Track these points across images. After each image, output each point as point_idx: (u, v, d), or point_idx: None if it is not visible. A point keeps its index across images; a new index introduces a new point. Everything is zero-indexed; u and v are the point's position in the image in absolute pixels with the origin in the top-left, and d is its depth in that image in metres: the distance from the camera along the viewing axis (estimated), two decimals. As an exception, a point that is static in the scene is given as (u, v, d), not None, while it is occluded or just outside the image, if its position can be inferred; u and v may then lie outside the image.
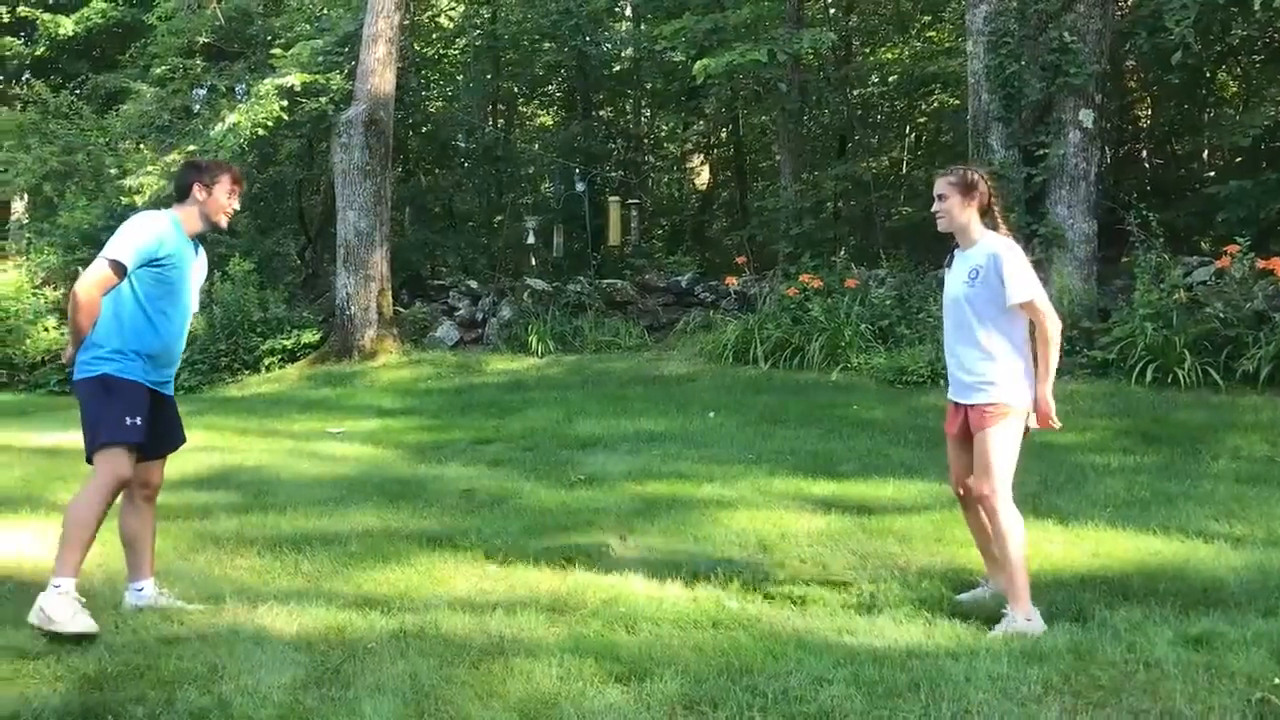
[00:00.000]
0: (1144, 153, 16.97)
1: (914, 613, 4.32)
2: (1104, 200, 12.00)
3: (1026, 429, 4.31)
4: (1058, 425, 4.31)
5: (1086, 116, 11.30)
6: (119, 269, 4.21)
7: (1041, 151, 11.34)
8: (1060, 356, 4.32)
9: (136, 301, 4.28)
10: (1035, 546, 5.17)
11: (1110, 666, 3.68)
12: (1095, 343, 10.28)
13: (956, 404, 4.42)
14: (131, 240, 4.23)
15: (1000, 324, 4.23)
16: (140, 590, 4.47)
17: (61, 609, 3.98)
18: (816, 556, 5.12)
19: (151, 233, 4.27)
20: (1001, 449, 4.20)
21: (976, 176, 4.38)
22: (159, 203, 14.43)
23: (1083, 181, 11.31)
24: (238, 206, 4.51)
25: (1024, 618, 4.10)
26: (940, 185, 4.35)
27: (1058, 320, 4.24)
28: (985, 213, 4.36)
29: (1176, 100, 15.81)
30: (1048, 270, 11.11)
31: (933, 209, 4.41)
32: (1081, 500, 6.13)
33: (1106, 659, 3.74)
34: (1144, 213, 10.64)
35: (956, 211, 4.32)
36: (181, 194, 4.43)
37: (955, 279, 4.38)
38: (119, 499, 4.33)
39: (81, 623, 4.00)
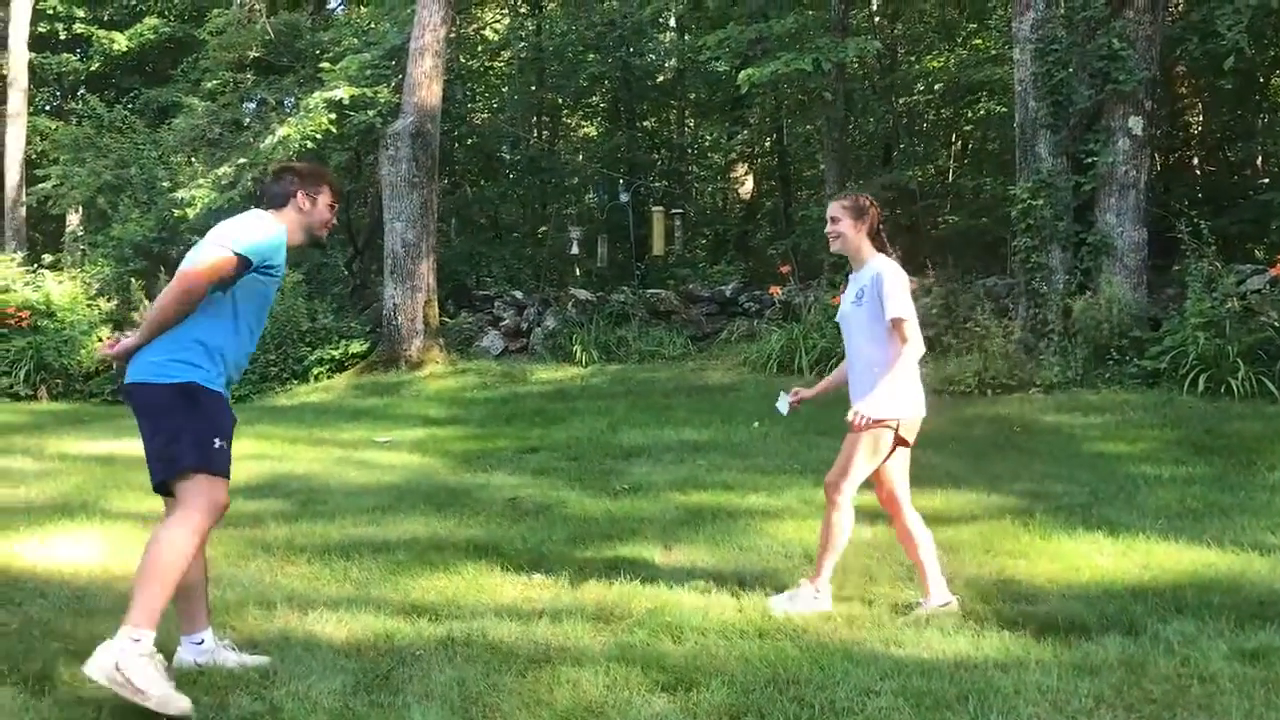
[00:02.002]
0: (1195, 160, 16.73)
1: (961, 624, 4.28)
2: (1154, 208, 11.85)
3: (904, 440, 4.54)
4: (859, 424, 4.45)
5: (1136, 123, 11.17)
6: (243, 263, 3.73)
7: (1090, 159, 11.22)
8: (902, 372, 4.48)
9: (233, 306, 3.79)
10: (1085, 558, 5.13)
11: (1163, 680, 3.63)
12: (1146, 352, 10.15)
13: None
14: (256, 236, 3.78)
15: (883, 340, 4.47)
16: (200, 644, 3.88)
17: (149, 677, 3.35)
18: (863, 567, 5.09)
19: (275, 236, 3.85)
20: (861, 453, 4.48)
21: (866, 201, 4.64)
22: (210, 213, 14.66)
23: (1132, 189, 11.17)
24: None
25: (812, 595, 4.51)
26: (834, 209, 4.63)
27: (920, 346, 4.47)
28: (874, 236, 4.61)
29: (1229, 106, 15.60)
30: (1096, 279, 11.00)
31: (826, 230, 4.67)
32: (1133, 511, 6.05)
33: (1159, 673, 3.69)
34: (1195, 220, 10.50)
35: (850, 234, 4.58)
36: (277, 201, 3.97)
37: (846, 300, 4.67)
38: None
39: (178, 704, 3.36)
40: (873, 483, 4.64)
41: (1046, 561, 5.10)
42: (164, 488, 3.72)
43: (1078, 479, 6.99)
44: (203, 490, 3.64)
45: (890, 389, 4.41)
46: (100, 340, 14.59)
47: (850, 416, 4.48)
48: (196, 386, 3.68)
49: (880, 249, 4.61)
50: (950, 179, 19.52)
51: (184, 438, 3.63)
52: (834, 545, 4.55)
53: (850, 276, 4.71)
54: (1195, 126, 16.79)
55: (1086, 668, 3.76)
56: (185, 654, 3.87)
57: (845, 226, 4.57)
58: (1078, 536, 5.52)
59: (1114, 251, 11.06)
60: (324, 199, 4.01)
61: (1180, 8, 13.91)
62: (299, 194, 3.96)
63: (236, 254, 3.70)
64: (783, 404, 4.90)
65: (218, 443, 3.68)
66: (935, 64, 19.25)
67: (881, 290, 4.41)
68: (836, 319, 4.78)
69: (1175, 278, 11.29)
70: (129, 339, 3.76)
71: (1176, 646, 3.92)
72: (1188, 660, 3.78)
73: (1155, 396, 9.57)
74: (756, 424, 9.49)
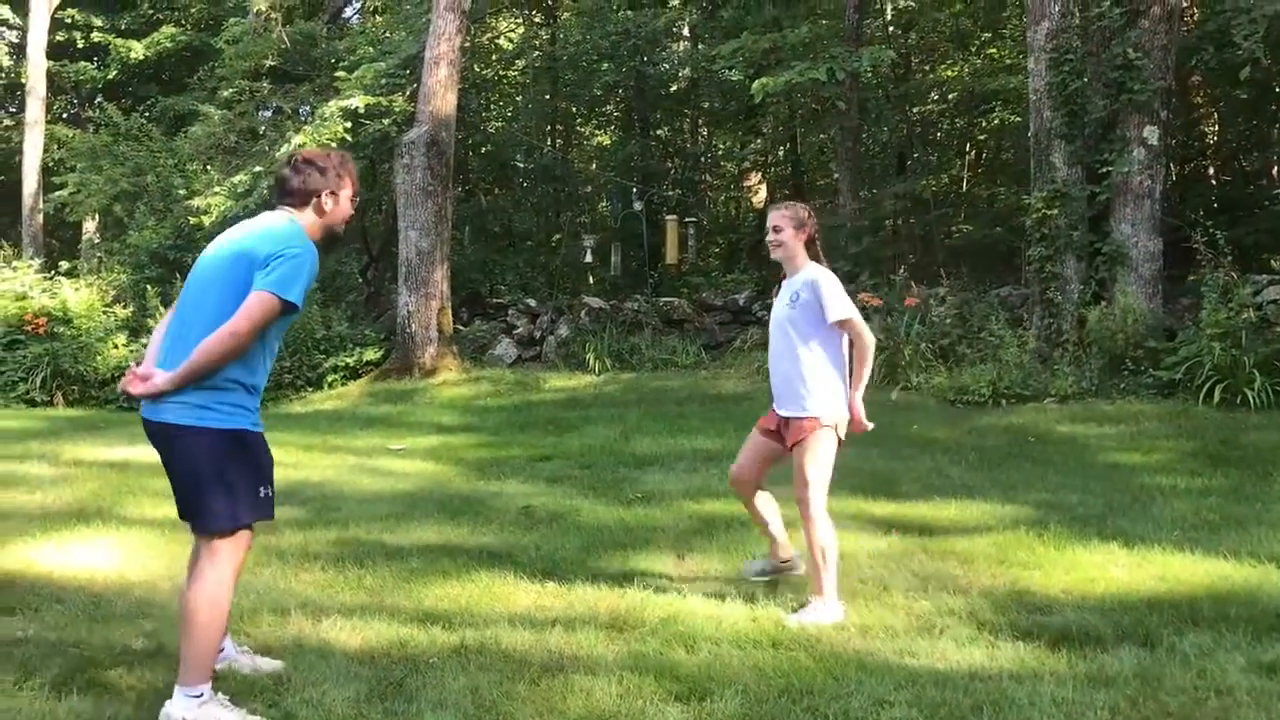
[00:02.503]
0: (1211, 169, 16.69)
1: (976, 635, 4.27)
2: (1169, 218, 11.81)
3: (840, 439, 4.70)
4: (869, 427, 4.76)
5: (1151, 133, 11.14)
6: (291, 311, 3.50)
7: (1105, 169, 11.20)
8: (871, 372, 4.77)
9: (263, 340, 3.54)
10: (1100, 569, 5.11)
11: (1180, 693, 3.62)
12: (1161, 362, 10.11)
13: (776, 414, 4.80)
14: (305, 277, 3.50)
15: (819, 343, 4.65)
16: (220, 650, 3.76)
17: (222, 717, 3.43)
18: (877, 577, 5.08)
19: (314, 264, 3.57)
20: (817, 461, 4.61)
21: (805, 213, 4.84)
22: (226, 212, 14.72)
23: (1147, 199, 11.14)
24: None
25: (825, 607, 4.53)
26: (776, 219, 4.79)
27: (872, 337, 4.70)
28: (810, 244, 4.81)
29: (1245, 116, 15.56)
30: (1111, 289, 10.97)
31: (767, 239, 4.83)
32: (1148, 523, 6.02)
33: (1176, 685, 3.68)
34: (1211, 230, 10.46)
35: (790, 243, 4.77)
36: (297, 199, 3.69)
37: (780, 304, 4.81)
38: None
39: None
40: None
41: (1061, 572, 5.08)
42: (204, 532, 3.52)
43: (1092, 490, 6.97)
44: (238, 543, 3.54)
45: (834, 391, 4.65)
46: (116, 347, 14.66)
47: (863, 425, 4.73)
48: (245, 432, 3.51)
49: (814, 258, 4.81)
50: (964, 188, 19.52)
51: (239, 494, 3.48)
52: (826, 560, 4.59)
53: (783, 283, 4.87)
54: (1211, 136, 16.75)
55: (1102, 679, 3.75)
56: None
57: (787, 235, 4.76)
58: (1093, 547, 5.50)
59: (1129, 261, 11.03)
60: (346, 193, 3.76)
61: (1196, 17, 13.88)
62: (323, 194, 3.70)
63: (285, 303, 3.45)
64: (841, 430, 4.73)
65: (264, 491, 3.55)
66: (949, 73, 19.25)
67: (820, 295, 4.59)
68: (771, 321, 4.93)
69: (1191, 288, 11.25)
70: (161, 378, 3.42)
71: (1193, 659, 3.91)
72: (1204, 673, 3.76)
73: (1170, 407, 9.53)
74: (770, 433, 9.47)
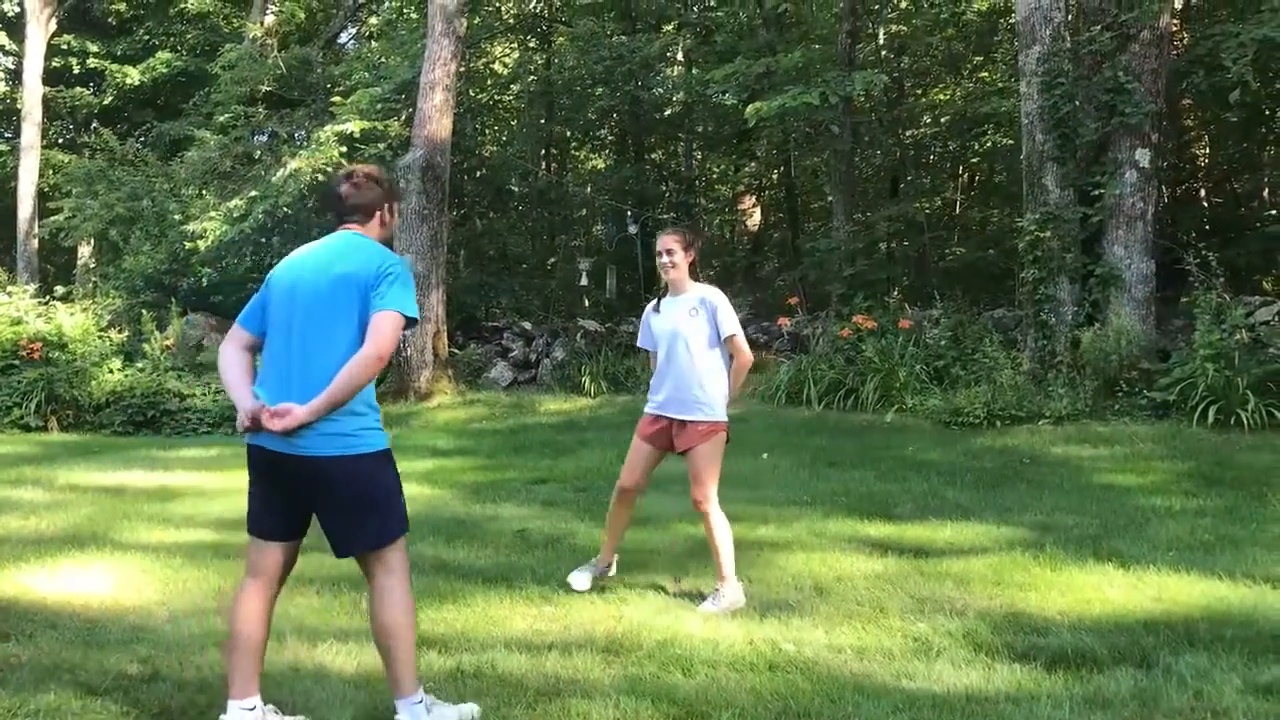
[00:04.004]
0: (1202, 191, 16.79)
1: (973, 657, 4.27)
2: (1162, 240, 11.88)
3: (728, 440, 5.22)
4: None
5: (1143, 156, 11.22)
6: (411, 325, 3.52)
7: (1097, 191, 11.26)
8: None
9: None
10: (1096, 590, 5.11)
11: (1176, 715, 3.62)
12: (1155, 384, 10.14)
13: (663, 417, 5.17)
14: (412, 289, 3.53)
15: (712, 355, 5.10)
16: (251, 709, 3.56)
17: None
18: (873, 599, 5.08)
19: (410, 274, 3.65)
20: (713, 461, 5.10)
21: (692, 235, 5.27)
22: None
23: (1140, 221, 11.20)
24: None
25: (732, 590, 5.03)
26: (669, 241, 5.13)
27: (751, 355, 5.25)
28: (693, 265, 5.22)
29: (1235, 138, 15.67)
30: (1104, 310, 11.01)
31: (660, 261, 5.16)
32: (1143, 543, 6.03)
33: (1172, 706, 3.68)
34: (1203, 252, 10.53)
35: (682, 264, 5.14)
36: (365, 214, 3.68)
37: (673, 317, 5.16)
38: (242, 594, 3.69)
39: None
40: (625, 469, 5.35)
41: (1057, 594, 5.08)
42: (366, 552, 3.55)
43: (1087, 511, 6.98)
44: (401, 552, 3.58)
45: (724, 397, 5.13)
46: (111, 372, 14.63)
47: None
48: (389, 452, 3.57)
49: (694, 277, 5.22)
50: (957, 211, 19.60)
51: (395, 506, 3.56)
52: (725, 547, 5.09)
53: (666, 301, 5.23)
54: (1202, 159, 16.86)
55: (1098, 701, 3.75)
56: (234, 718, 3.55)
57: (679, 258, 5.11)
58: (1088, 569, 5.51)
59: (1122, 283, 11.08)
60: (398, 205, 3.83)
61: (1185, 41, 14.00)
62: (385, 207, 3.71)
63: (408, 319, 3.46)
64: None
65: (403, 500, 3.64)
66: (942, 97, 19.38)
67: (717, 312, 5.06)
68: (657, 335, 5.24)
69: (1184, 309, 11.30)
70: (301, 411, 3.35)
71: (1189, 680, 3.90)
72: (1201, 694, 3.76)
73: (1165, 428, 9.56)
74: (765, 455, 9.49)
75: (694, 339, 5.06)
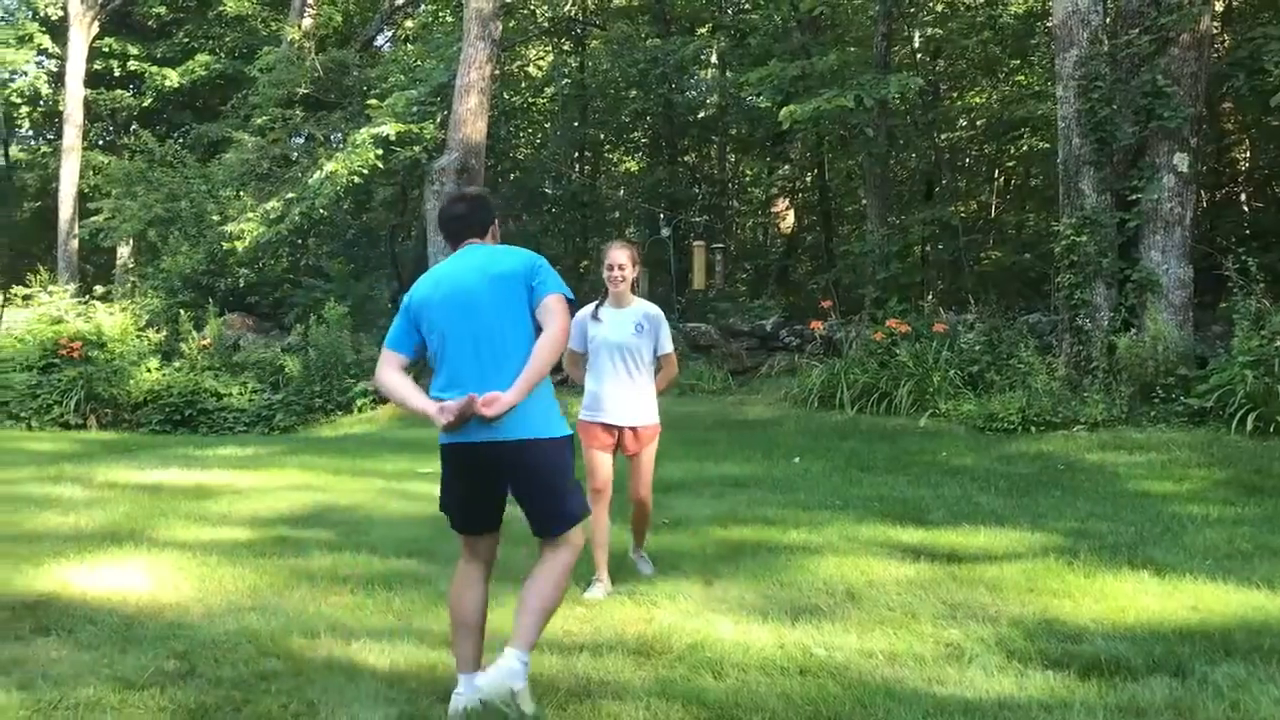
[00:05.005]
0: (1242, 196, 16.58)
1: (1005, 663, 4.24)
2: (1200, 245, 11.75)
3: None
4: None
5: (1181, 160, 11.10)
6: (572, 305, 3.88)
7: (1135, 196, 11.15)
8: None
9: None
10: (1131, 598, 5.07)
11: (1212, 724, 3.58)
12: (1192, 390, 10.03)
13: (614, 427, 5.52)
14: (558, 275, 3.90)
15: (650, 366, 5.60)
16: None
17: (529, 698, 3.74)
18: (905, 605, 5.05)
19: None
20: (653, 458, 5.68)
21: (639, 252, 5.70)
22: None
23: (1178, 226, 11.09)
24: None
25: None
26: (622, 256, 5.50)
27: (677, 369, 5.88)
28: (635, 280, 5.63)
29: (1276, 142, 15.46)
30: (1141, 316, 10.91)
31: (612, 274, 5.48)
32: (1179, 552, 5.97)
33: (1208, 716, 3.64)
34: (1242, 257, 10.40)
35: (630, 278, 5.51)
36: (482, 229, 4.00)
37: (619, 329, 5.51)
38: (463, 582, 3.91)
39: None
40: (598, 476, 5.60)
41: (1091, 601, 5.04)
42: (553, 534, 3.81)
43: (1123, 518, 6.91)
44: (580, 535, 3.89)
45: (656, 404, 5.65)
46: (149, 371, 14.80)
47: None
48: (571, 436, 3.86)
49: (632, 290, 5.63)
50: (993, 214, 19.47)
51: (578, 486, 3.88)
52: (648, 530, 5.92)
53: (607, 310, 5.55)
54: (1242, 163, 16.66)
55: (1133, 710, 3.72)
56: (468, 692, 3.71)
57: (629, 272, 5.49)
58: (1123, 576, 5.46)
59: (1159, 289, 10.96)
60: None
61: (1227, 44, 13.84)
62: (495, 222, 4.08)
63: (571, 300, 3.83)
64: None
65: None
66: (977, 100, 19.26)
67: (659, 329, 5.56)
68: (600, 346, 5.52)
69: (1222, 315, 11.18)
70: (507, 395, 3.60)
71: (1226, 690, 3.86)
72: (1237, 705, 3.72)
73: (1202, 435, 9.45)
74: (797, 459, 9.47)
75: (642, 355, 5.53)
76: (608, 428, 5.51)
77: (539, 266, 3.82)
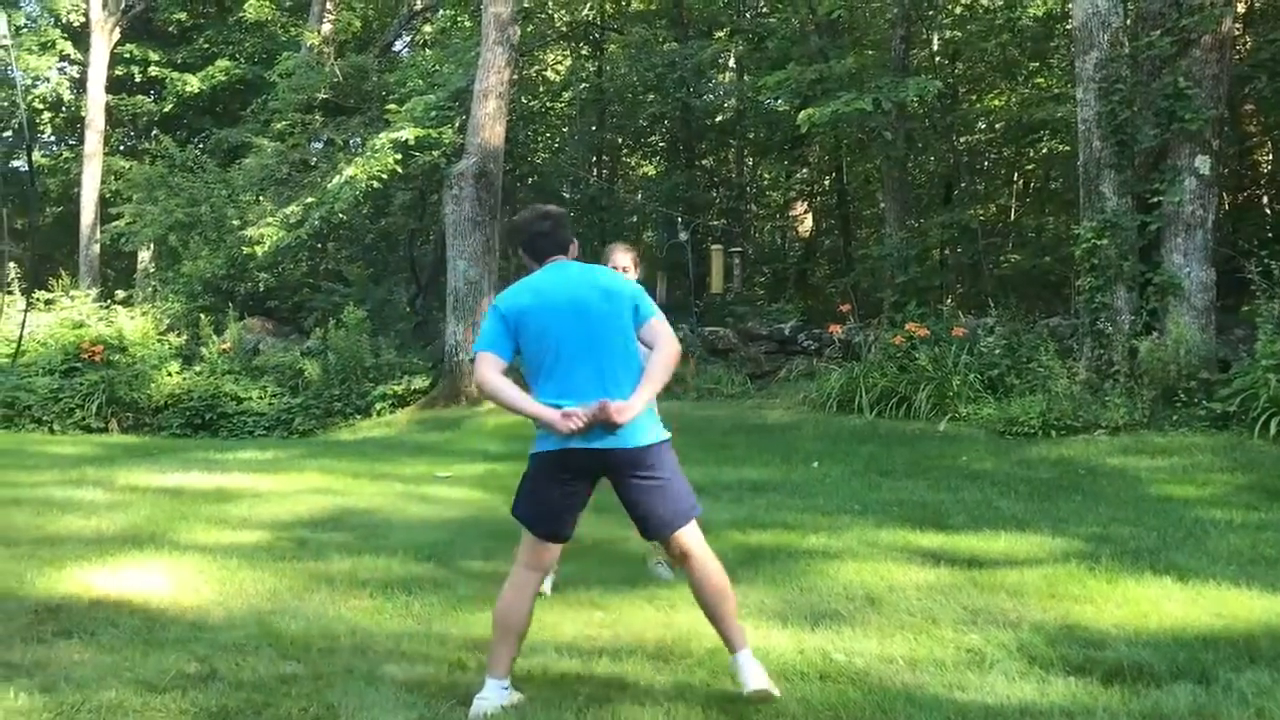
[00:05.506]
0: (1265, 198, 16.46)
1: (1027, 669, 4.22)
2: (1222, 248, 11.66)
3: None
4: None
5: (1203, 163, 11.03)
6: None
7: (1156, 199, 11.08)
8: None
9: None
10: (1153, 604, 5.03)
11: (1236, 731, 3.55)
12: (1215, 394, 9.95)
13: None
14: None
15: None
16: (506, 688, 3.89)
17: None
18: (926, 610, 5.03)
19: None
20: None
21: (640, 253, 5.56)
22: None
23: (1200, 229, 11.01)
24: None
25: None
26: (625, 259, 5.55)
27: None
28: None
29: (1299, 145, 15.34)
30: (1163, 319, 10.83)
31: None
32: (1203, 557, 5.92)
33: (1232, 723, 3.61)
34: (1265, 260, 10.32)
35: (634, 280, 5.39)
36: (565, 247, 4.21)
37: None
38: (518, 588, 4.00)
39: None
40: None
41: (1114, 607, 5.01)
42: (683, 523, 3.95)
43: (1145, 523, 6.87)
44: (699, 529, 4.01)
45: None
46: (170, 375, 14.87)
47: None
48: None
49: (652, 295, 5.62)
50: (1012, 218, 19.39)
51: (690, 485, 4.03)
52: None
53: None
54: (1265, 165, 16.54)
55: (1156, 717, 3.69)
56: (494, 696, 3.81)
57: (632, 275, 5.45)
58: (1146, 582, 5.42)
59: (1181, 292, 10.89)
60: None
61: (1249, 45, 13.75)
62: (574, 242, 4.30)
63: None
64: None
65: None
66: (996, 103, 19.17)
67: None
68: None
69: (1245, 318, 11.09)
70: (635, 403, 3.82)
71: (1250, 697, 3.83)
72: (1262, 712, 3.69)
73: (1225, 440, 9.38)
74: (816, 464, 9.45)
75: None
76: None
77: (636, 290, 4.06)
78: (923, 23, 17.55)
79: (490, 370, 3.92)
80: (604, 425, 3.76)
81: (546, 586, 5.23)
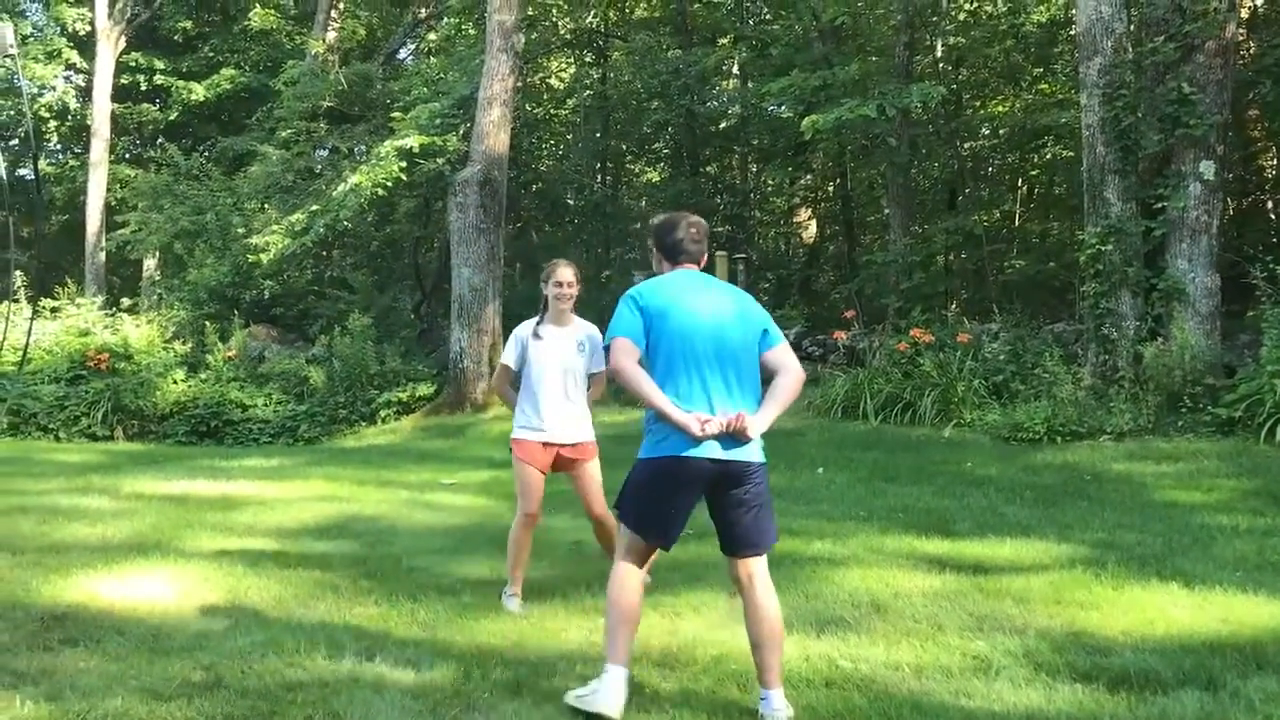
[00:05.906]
0: (1269, 203, 16.45)
1: (1033, 676, 4.21)
2: (1227, 253, 11.66)
3: None
4: None
5: (1207, 168, 11.03)
6: None
7: (1160, 204, 11.08)
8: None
9: None
10: (1160, 610, 5.02)
11: (1243, 738, 3.54)
12: (1220, 400, 9.94)
13: (553, 444, 5.54)
14: None
15: (585, 384, 5.64)
16: (626, 675, 3.96)
17: None
18: (931, 617, 5.02)
19: None
20: (600, 475, 5.64)
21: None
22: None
23: (1204, 234, 11.00)
24: None
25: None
26: (570, 276, 5.58)
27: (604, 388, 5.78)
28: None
29: (1303, 150, 15.33)
30: (1168, 325, 10.82)
31: (560, 293, 5.54)
32: (1209, 563, 5.91)
33: (1239, 730, 3.60)
34: (1270, 265, 10.31)
35: (574, 296, 5.59)
36: (700, 259, 4.31)
37: (560, 350, 5.55)
38: (627, 576, 4.05)
39: None
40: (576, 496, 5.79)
41: (1120, 613, 5.00)
42: (764, 548, 4.02)
43: (1151, 529, 6.85)
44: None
45: None
46: (175, 383, 14.89)
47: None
48: None
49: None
50: (1016, 223, 19.38)
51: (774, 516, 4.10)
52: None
53: (548, 329, 5.58)
54: (1269, 169, 16.53)
55: (1163, 724, 3.68)
56: (617, 681, 3.89)
57: (577, 290, 5.58)
58: (1152, 588, 5.41)
59: (1186, 297, 10.88)
60: None
61: (1253, 51, 13.75)
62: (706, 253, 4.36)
63: None
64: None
65: None
66: (1000, 109, 19.18)
67: (598, 349, 5.50)
68: (544, 363, 5.54)
69: (1250, 324, 11.08)
70: (764, 418, 3.91)
71: (1258, 704, 3.82)
72: (1270, 718, 3.68)
73: (1230, 445, 9.36)
74: (821, 470, 9.44)
75: (581, 374, 5.60)
76: (547, 446, 5.53)
77: (766, 315, 4.13)
78: (926, 29, 17.57)
79: (627, 357, 3.93)
80: (734, 436, 3.82)
81: (515, 605, 5.34)
